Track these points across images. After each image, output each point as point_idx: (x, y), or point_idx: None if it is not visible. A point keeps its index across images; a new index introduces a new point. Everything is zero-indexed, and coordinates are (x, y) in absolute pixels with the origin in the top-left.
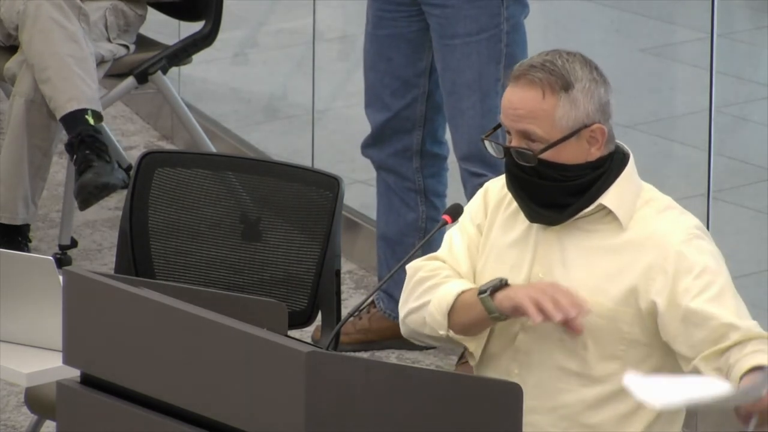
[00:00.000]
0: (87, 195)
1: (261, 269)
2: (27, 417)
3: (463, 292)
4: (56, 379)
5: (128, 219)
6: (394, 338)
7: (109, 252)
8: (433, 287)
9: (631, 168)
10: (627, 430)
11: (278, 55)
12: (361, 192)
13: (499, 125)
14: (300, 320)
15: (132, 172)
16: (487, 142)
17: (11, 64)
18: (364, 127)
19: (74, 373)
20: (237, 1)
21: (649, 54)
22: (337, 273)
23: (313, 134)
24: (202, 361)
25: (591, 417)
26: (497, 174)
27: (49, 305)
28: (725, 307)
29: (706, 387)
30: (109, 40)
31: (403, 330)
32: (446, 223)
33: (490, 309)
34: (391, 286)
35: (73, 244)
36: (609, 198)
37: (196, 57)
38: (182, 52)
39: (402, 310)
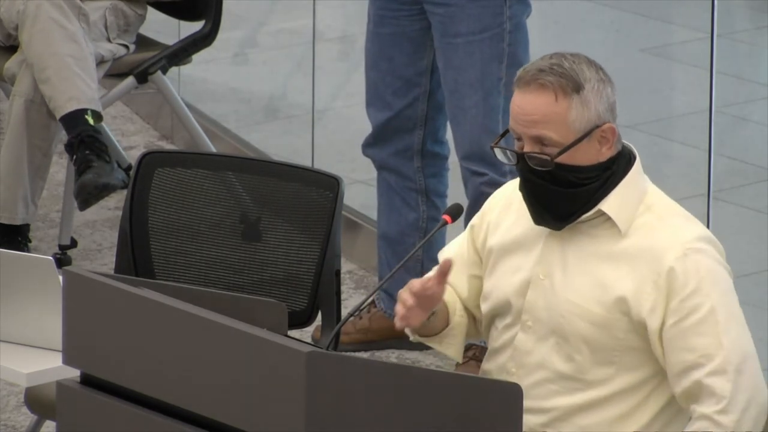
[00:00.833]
0: (87, 195)
1: (261, 269)
2: (27, 417)
3: None
4: (56, 379)
5: (128, 219)
6: (394, 338)
7: (109, 252)
8: None
9: (636, 171)
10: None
11: (278, 55)
12: (361, 192)
13: (507, 132)
14: (300, 320)
15: (132, 172)
16: (497, 150)
17: (11, 64)
18: (364, 127)
19: (74, 373)
20: (237, 1)
21: (649, 54)
22: (337, 273)
23: (313, 134)
24: (202, 361)
25: (584, 419)
26: (498, 173)
27: (49, 305)
28: (705, 335)
29: None
30: (109, 40)
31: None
32: (446, 223)
33: None
34: (392, 286)
35: (73, 244)
36: (609, 203)
37: (196, 57)
38: (182, 52)
39: None
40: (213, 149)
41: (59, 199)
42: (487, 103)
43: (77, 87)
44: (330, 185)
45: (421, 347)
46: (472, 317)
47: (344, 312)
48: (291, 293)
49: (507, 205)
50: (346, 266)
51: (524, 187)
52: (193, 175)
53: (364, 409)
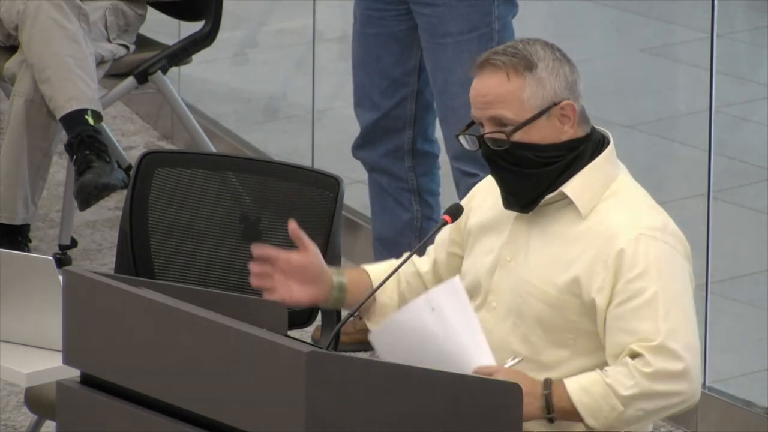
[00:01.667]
0: (87, 195)
1: None
2: (27, 417)
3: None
4: (56, 379)
5: (128, 219)
6: None
7: (109, 252)
8: None
9: (606, 156)
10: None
11: (278, 55)
12: (361, 192)
13: (473, 122)
14: (300, 320)
15: (132, 172)
16: (461, 138)
17: (11, 64)
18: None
19: (74, 373)
20: (237, 1)
21: (649, 54)
22: None
23: (313, 134)
24: (202, 361)
25: None
26: (490, 173)
27: (49, 305)
28: (645, 319)
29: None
30: (109, 40)
31: None
32: (446, 223)
33: None
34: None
35: (73, 244)
36: (571, 186)
37: (196, 57)
38: (182, 52)
39: None
40: (213, 149)
41: (59, 199)
42: None
43: (77, 87)
44: (330, 185)
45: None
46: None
47: (344, 312)
48: None
49: (490, 188)
50: (346, 266)
51: (491, 171)
52: (193, 175)
53: (364, 409)
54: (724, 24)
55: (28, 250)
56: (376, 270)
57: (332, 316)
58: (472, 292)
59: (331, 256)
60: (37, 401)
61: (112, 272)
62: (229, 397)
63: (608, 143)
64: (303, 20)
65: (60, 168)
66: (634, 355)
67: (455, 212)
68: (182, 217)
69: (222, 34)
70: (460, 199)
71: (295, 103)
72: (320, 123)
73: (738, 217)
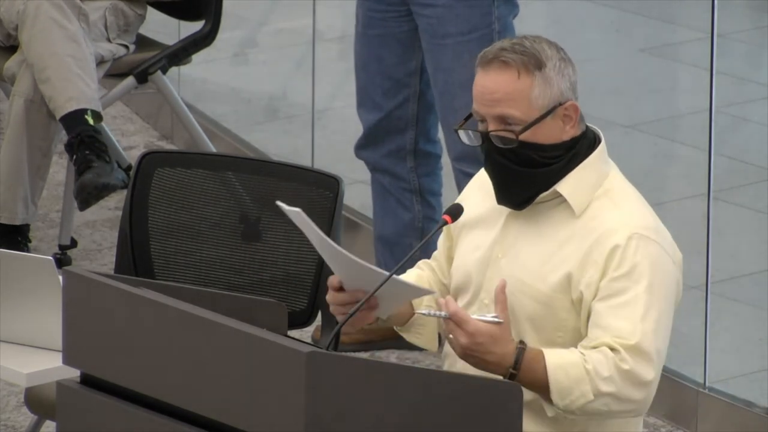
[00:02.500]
0: (87, 195)
1: (261, 269)
2: (27, 417)
3: None
4: (56, 379)
5: (128, 219)
6: (394, 338)
7: (109, 252)
8: None
9: (598, 154)
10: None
11: (278, 55)
12: (361, 192)
13: (470, 115)
14: (300, 320)
15: (132, 172)
16: (461, 132)
17: (11, 64)
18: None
19: (74, 373)
20: (237, 1)
21: (649, 54)
22: None
23: (313, 134)
24: (202, 361)
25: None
26: None
27: (49, 305)
28: (623, 319)
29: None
30: (108, 40)
31: None
32: (446, 223)
33: None
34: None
35: (73, 244)
36: (565, 184)
37: (196, 57)
38: (182, 52)
39: None
40: (213, 149)
41: (59, 199)
42: None
43: (77, 87)
44: (330, 185)
45: (421, 347)
46: None
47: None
48: (291, 293)
49: (478, 185)
50: None
51: (489, 168)
52: (193, 175)
53: (364, 409)
54: (724, 24)
55: (28, 250)
56: (423, 279)
57: (332, 316)
58: (462, 288)
59: None
60: (37, 401)
61: (112, 272)
62: (229, 397)
63: (600, 141)
64: (303, 20)
65: (60, 168)
66: (611, 349)
67: (455, 212)
68: (182, 217)
69: (222, 34)
70: None
71: (295, 103)
72: (320, 123)
73: (738, 217)
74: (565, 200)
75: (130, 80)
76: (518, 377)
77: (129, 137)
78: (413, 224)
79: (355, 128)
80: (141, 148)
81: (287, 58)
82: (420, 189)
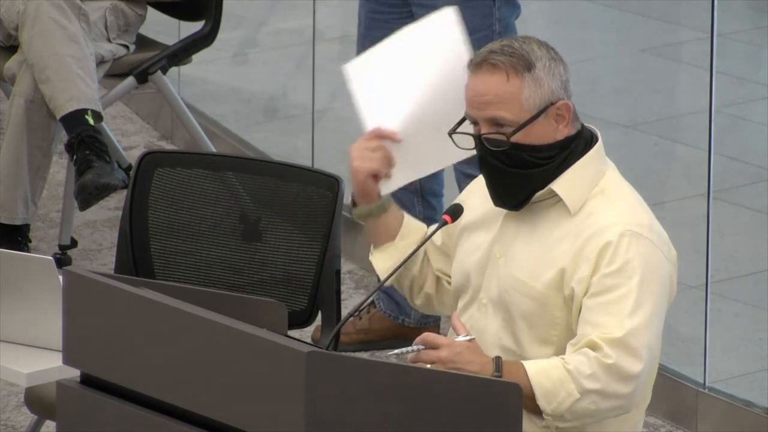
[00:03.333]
0: (87, 195)
1: (261, 269)
2: (27, 417)
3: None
4: (56, 379)
5: (128, 219)
6: (394, 338)
7: (109, 252)
8: None
9: (594, 152)
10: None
11: (278, 55)
12: None
13: (464, 119)
14: (300, 320)
15: (132, 172)
16: (454, 136)
17: (11, 64)
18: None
19: (74, 373)
20: (237, 1)
21: (649, 54)
22: (337, 273)
23: (313, 134)
24: (202, 361)
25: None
26: None
27: (49, 305)
28: (611, 315)
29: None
30: (109, 40)
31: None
32: (446, 223)
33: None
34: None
35: (73, 244)
36: (560, 184)
37: (196, 57)
38: (182, 52)
39: None
40: (213, 149)
41: (59, 199)
42: None
43: (77, 87)
44: (330, 185)
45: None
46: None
47: (344, 312)
48: (291, 293)
49: (479, 187)
50: (346, 266)
51: (483, 171)
52: (193, 175)
53: (364, 409)
54: (724, 24)
55: (28, 250)
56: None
57: (332, 316)
58: (462, 289)
59: (331, 256)
60: (37, 401)
61: (112, 272)
62: (229, 397)
63: (597, 140)
64: (303, 20)
65: (60, 168)
66: (594, 347)
67: (455, 212)
68: (182, 217)
69: (222, 34)
70: None
71: (295, 103)
72: (320, 123)
73: (738, 217)
74: (561, 199)
75: (130, 80)
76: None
77: (129, 137)
78: None
79: (355, 128)
80: (141, 148)
81: (287, 58)
82: (421, 190)
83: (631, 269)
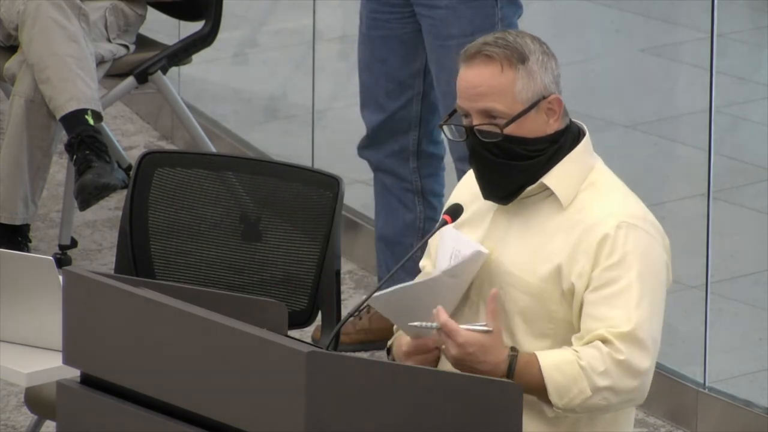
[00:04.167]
0: (87, 195)
1: (261, 269)
2: (27, 417)
3: None
4: (56, 379)
5: (128, 219)
6: None
7: (109, 252)
8: None
9: (582, 147)
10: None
11: (278, 55)
12: (361, 192)
13: (455, 111)
14: (300, 320)
15: (132, 172)
16: (445, 128)
17: (11, 64)
18: (364, 127)
19: (74, 373)
20: (237, 1)
21: (649, 54)
22: (337, 273)
23: (313, 134)
24: (202, 361)
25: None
26: None
27: (49, 305)
28: (618, 308)
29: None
30: (108, 40)
31: None
32: (446, 222)
33: None
34: (391, 287)
35: (73, 244)
36: (551, 177)
37: (196, 57)
38: (182, 52)
39: None
40: (213, 149)
41: (59, 199)
42: None
43: (77, 87)
44: (330, 185)
45: None
46: None
47: (344, 312)
48: (291, 293)
49: (467, 185)
50: (346, 266)
51: (474, 163)
52: (193, 175)
53: (364, 409)
54: (724, 24)
55: (28, 250)
56: None
57: (332, 316)
58: None
59: (331, 256)
60: (37, 401)
61: (112, 272)
62: (229, 397)
63: (584, 135)
64: (303, 20)
65: (60, 168)
66: (604, 341)
67: (455, 212)
68: (182, 217)
69: (222, 34)
70: None
71: (295, 103)
72: (320, 123)
73: (738, 217)
74: (551, 193)
75: (130, 80)
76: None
77: (129, 137)
78: (415, 224)
79: (355, 128)
80: (141, 148)
81: (287, 58)
82: (422, 189)
83: (630, 261)
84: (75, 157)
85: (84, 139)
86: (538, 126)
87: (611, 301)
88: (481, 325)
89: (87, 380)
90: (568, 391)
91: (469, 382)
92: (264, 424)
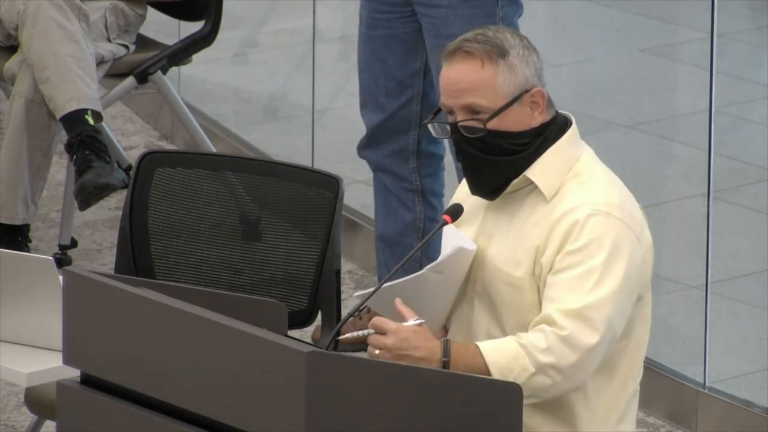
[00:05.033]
0: (87, 195)
1: (261, 269)
2: (27, 417)
3: None
4: (56, 379)
5: (128, 219)
6: None
7: (109, 252)
8: None
9: (568, 137)
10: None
11: (278, 55)
12: (361, 192)
13: (440, 110)
14: (300, 320)
15: (132, 172)
16: (430, 126)
17: (11, 64)
18: (364, 127)
19: (74, 373)
20: (237, 1)
21: (649, 54)
22: (337, 273)
23: (313, 134)
24: (202, 361)
25: None
26: None
27: (49, 305)
28: (571, 291)
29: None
30: (109, 40)
31: None
32: (446, 222)
33: None
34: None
35: (73, 244)
36: (534, 170)
37: (196, 57)
38: (182, 52)
39: None
40: (213, 149)
41: (59, 199)
42: None
43: (77, 87)
44: (330, 185)
45: None
46: None
47: (344, 312)
48: (291, 293)
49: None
50: (346, 266)
51: (460, 159)
52: (193, 175)
53: (364, 409)
54: (724, 24)
55: (28, 250)
56: None
57: (332, 316)
58: None
59: (331, 256)
60: (37, 401)
61: (112, 272)
62: (229, 397)
63: (570, 125)
64: (303, 20)
65: (60, 168)
66: (550, 322)
67: (455, 212)
68: (182, 217)
69: (222, 34)
70: None
71: (295, 103)
72: (320, 123)
73: (738, 217)
74: (536, 186)
75: (130, 80)
76: (451, 365)
77: (129, 137)
78: (415, 224)
79: (355, 128)
80: (141, 148)
81: (287, 58)
82: (422, 189)
83: (595, 246)
84: (75, 157)
85: (84, 139)
86: (522, 119)
87: (569, 284)
88: (412, 321)
89: (87, 380)
90: (510, 370)
91: (469, 382)
92: (264, 424)
